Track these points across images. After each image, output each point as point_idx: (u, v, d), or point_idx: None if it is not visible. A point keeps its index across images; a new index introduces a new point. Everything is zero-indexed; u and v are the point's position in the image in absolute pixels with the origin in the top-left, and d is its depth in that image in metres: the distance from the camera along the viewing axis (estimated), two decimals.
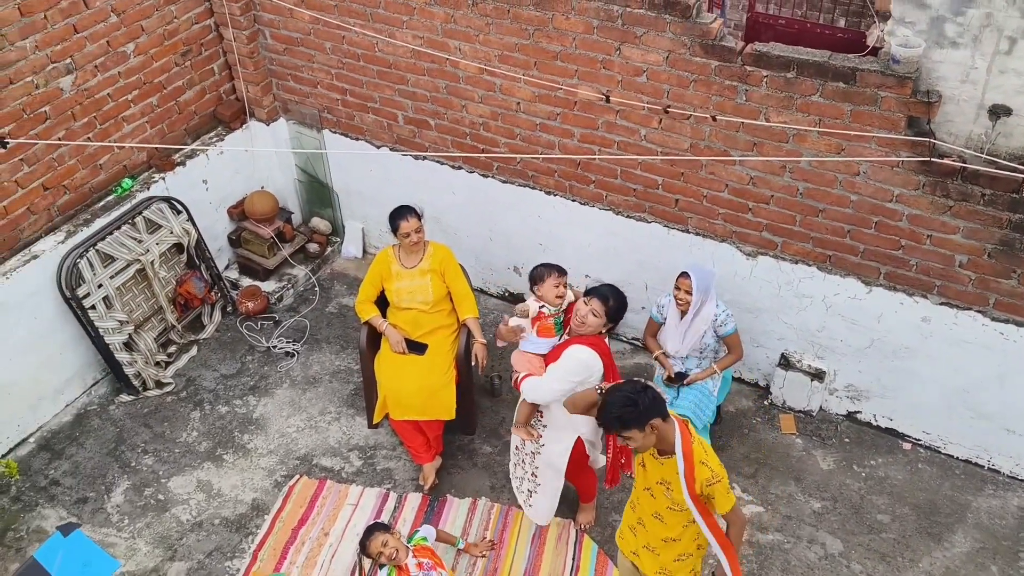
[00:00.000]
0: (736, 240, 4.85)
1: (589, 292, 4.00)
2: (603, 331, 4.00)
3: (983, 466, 4.85)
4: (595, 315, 3.91)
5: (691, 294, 4.47)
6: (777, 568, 4.44)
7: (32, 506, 4.85)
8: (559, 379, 3.87)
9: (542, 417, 4.15)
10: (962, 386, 4.63)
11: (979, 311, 4.35)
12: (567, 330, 4.15)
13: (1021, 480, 4.78)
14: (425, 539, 4.28)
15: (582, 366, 3.84)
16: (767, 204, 4.62)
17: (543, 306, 4.14)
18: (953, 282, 4.34)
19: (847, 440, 5.06)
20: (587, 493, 4.60)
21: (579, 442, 4.16)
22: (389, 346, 4.86)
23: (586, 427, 4.11)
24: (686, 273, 4.49)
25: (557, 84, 4.79)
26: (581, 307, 3.95)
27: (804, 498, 4.75)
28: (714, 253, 4.92)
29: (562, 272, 4.19)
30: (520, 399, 4.18)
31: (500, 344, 4.34)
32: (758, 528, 4.62)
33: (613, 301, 3.92)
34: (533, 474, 4.35)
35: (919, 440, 4.98)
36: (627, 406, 3.12)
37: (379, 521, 4.56)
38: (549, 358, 4.07)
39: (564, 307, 4.17)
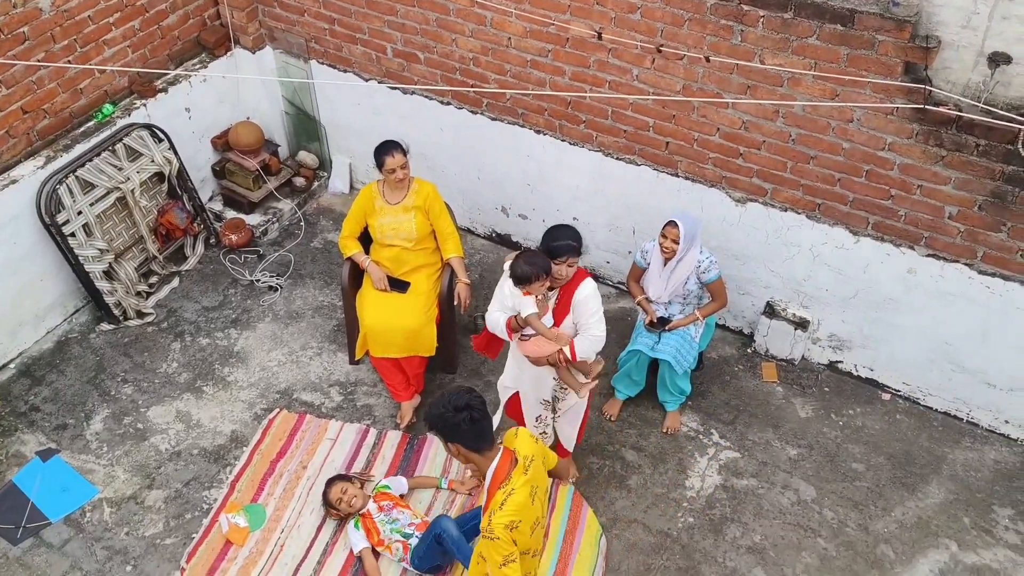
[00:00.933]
0: (726, 185, 4.78)
1: (555, 250, 3.74)
2: None
3: (961, 419, 4.87)
4: (571, 266, 3.79)
5: (677, 243, 4.40)
6: (750, 512, 4.48)
7: (11, 431, 4.85)
8: (598, 316, 3.84)
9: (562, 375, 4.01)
10: (945, 339, 4.61)
11: (966, 264, 4.31)
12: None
13: (999, 434, 4.81)
14: (388, 487, 4.35)
15: (595, 292, 3.86)
16: (758, 149, 4.54)
17: (536, 298, 3.80)
18: (941, 234, 4.29)
19: (827, 389, 5.06)
20: (569, 443, 4.47)
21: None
22: (371, 283, 4.82)
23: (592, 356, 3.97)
24: (674, 222, 4.40)
25: (549, 19, 4.65)
26: (560, 269, 3.76)
27: (780, 445, 4.78)
28: (703, 198, 4.85)
29: (545, 271, 3.74)
30: (550, 373, 4.04)
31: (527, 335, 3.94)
32: (733, 473, 4.65)
33: (577, 242, 3.79)
34: (555, 414, 4.32)
35: (898, 391, 4.99)
36: (434, 415, 3.11)
37: (340, 473, 4.56)
38: (557, 320, 3.88)
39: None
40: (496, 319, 3.93)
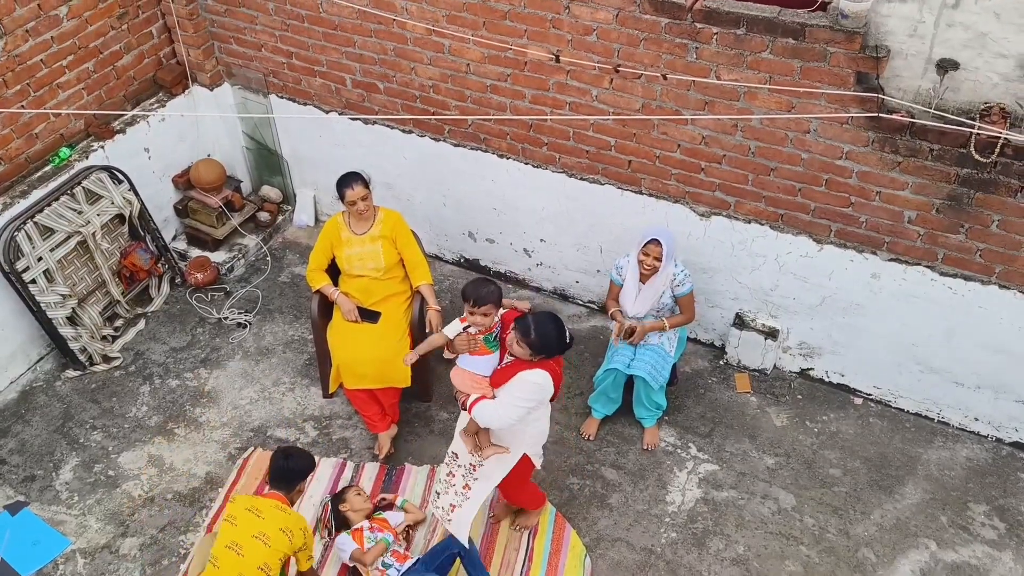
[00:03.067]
0: (689, 200, 4.83)
1: (518, 320, 3.61)
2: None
3: (932, 419, 4.94)
4: (518, 345, 3.57)
5: (660, 260, 4.45)
6: (731, 524, 4.49)
7: None
8: (514, 405, 3.61)
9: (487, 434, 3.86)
10: (911, 341, 4.69)
11: (928, 266, 4.40)
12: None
13: (970, 432, 4.88)
14: (386, 517, 4.36)
15: (536, 389, 3.61)
16: (719, 164, 4.60)
17: (467, 326, 3.77)
18: (902, 238, 4.38)
19: (800, 397, 5.11)
20: (534, 503, 4.39)
21: (524, 458, 3.92)
22: (341, 315, 4.79)
23: (534, 443, 3.90)
24: (656, 240, 4.44)
25: (507, 44, 4.69)
26: (511, 332, 3.62)
27: (758, 455, 4.81)
28: (667, 214, 4.90)
29: (486, 299, 3.67)
30: (460, 420, 3.98)
31: (448, 356, 3.90)
32: (713, 486, 4.67)
33: (534, 336, 3.51)
34: (466, 486, 3.97)
35: (870, 395, 5.06)
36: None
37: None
38: (498, 376, 3.73)
39: (495, 322, 3.76)
40: (448, 329, 3.90)
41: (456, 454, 4.03)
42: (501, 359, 3.79)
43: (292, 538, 3.54)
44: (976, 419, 4.82)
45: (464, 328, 3.80)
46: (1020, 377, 4.53)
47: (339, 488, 4.63)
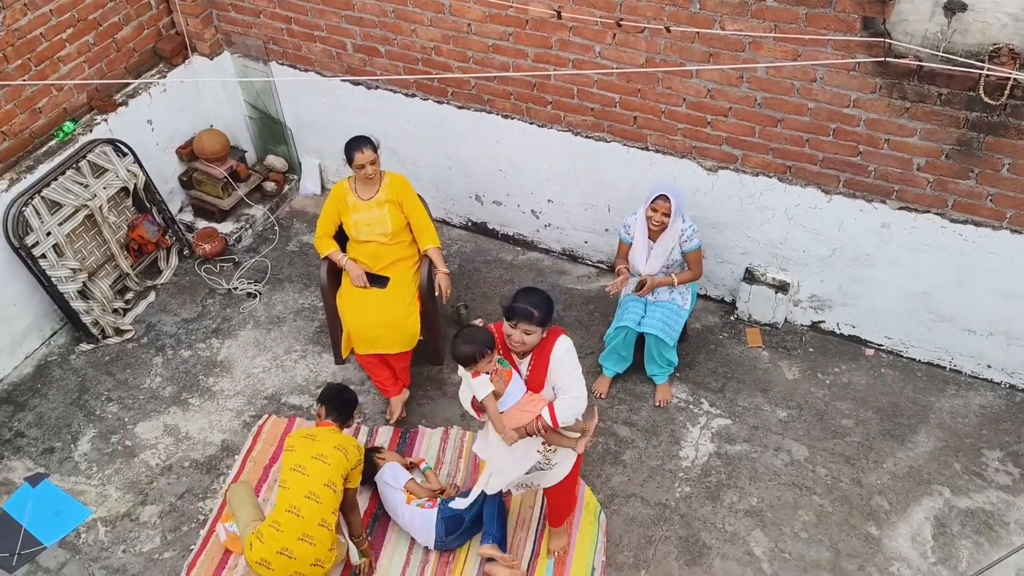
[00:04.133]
0: (696, 155, 4.80)
1: (509, 311, 3.43)
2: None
3: (944, 367, 4.93)
4: (528, 334, 3.41)
5: (669, 216, 4.43)
6: (745, 476, 4.51)
7: None
8: (575, 375, 3.44)
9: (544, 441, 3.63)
10: (922, 290, 4.67)
11: (938, 213, 4.36)
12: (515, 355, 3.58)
13: (983, 379, 4.87)
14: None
15: (573, 350, 3.50)
16: (725, 116, 4.56)
17: (487, 374, 3.45)
18: (911, 186, 4.33)
19: (811, 350, 5.11)
20: (563, 515, 4.18)
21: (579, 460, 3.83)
22: (350, 281, 4.79)
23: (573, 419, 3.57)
24: (665, 196, 4.41)
25: (507, 2, 4.63)
26: (512, 332, 3.42)
27: (770, 408, 4.82)
28: (674, 169, 4.87)
29: (485, 347, 3.40)
30: (547, 437, 3.58)
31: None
32: (726, 440, 4.68)
33: (538, 312, 3.37)
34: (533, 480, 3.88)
35: (881, 345, 5.04)
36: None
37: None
38: (532, 384, 3.55)
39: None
40: (464, 399, 3.62)
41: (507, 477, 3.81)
42: (516, 369, 3.55)
43: (347, 454, 3.88)
44: (989, 366, 4.81)
45: (487, 377, 3.45)
46: None
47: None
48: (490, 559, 4.14)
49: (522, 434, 3.49)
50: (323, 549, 3.77)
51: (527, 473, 3.78)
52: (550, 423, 3.44)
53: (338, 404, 4.10)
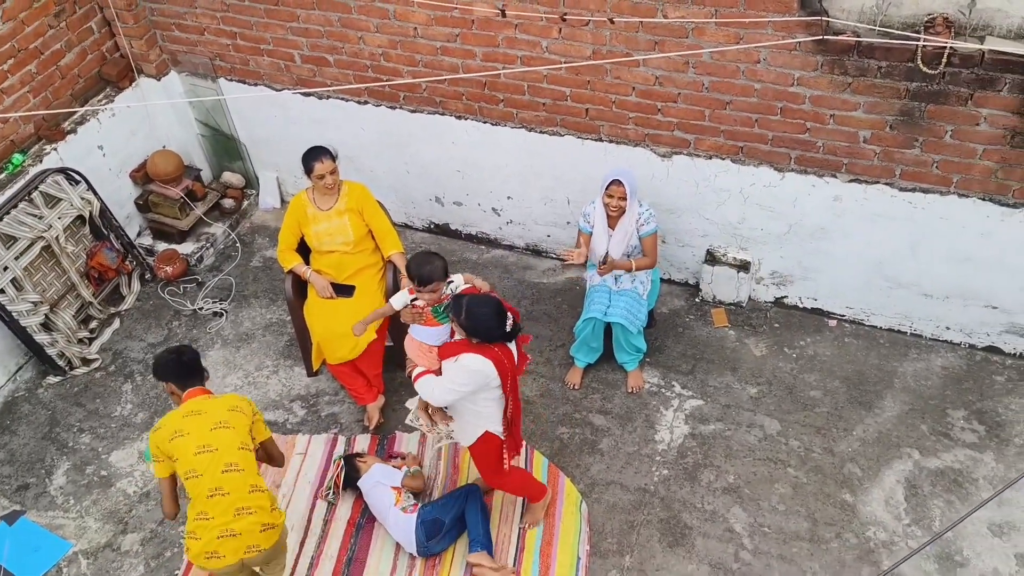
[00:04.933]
0: (649, 143, 4.85)
1: (455, 299, 3.69)
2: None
3: (905, 332, 5.05)
4: (452, 322, 3.68)
5: (625, 199, 4.51)
6: (720, 455, 4.59)
7: None
8: (448, 389, 3.64)
9: (447, 409, 3.96)
10: (878, 258, 4.77)
11: (887, 183, 4.46)
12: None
13: (943, 341, 4.99)
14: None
15: (474, 376, 3.58)
16: (675, 103, 4.62)
17: (415, 298, 3.84)
18: (859, 158, 4.43)
19: (777, 325, 5.20)
20: (530, 493, 4.28)
21: (494, 442, 3.87)
22: (316, 292, 4.79)
23: (495, 423, 3.82)
24: (618, 180, 4.49)
25: (451, 3, 4.65)
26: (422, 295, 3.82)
27: (741, 386, 4.90)
28: (629, 158, 4.92)
29: (429, 277, 3.75)
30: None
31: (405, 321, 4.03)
32: (699, 420, 4.76)
33: (464, 316, 3.54)
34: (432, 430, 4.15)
35: (843, 316, 5.15)
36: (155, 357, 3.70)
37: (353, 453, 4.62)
38: (444, 351, 3.75)
39: (445, 293, 3.83)
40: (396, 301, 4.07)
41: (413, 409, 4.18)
42: (452, 333, 3.79)
43: (242, 409, 3.62)
44: (948, 328, 4.93)
45: (412, 300, 3.87)
46: (986, 283, 4.63)
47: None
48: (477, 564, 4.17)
49: (407, 357, 4.05)
50: (265, 513, 3.52)
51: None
52: (414, 377, 3.80)
53: (186, 369, 3.66)
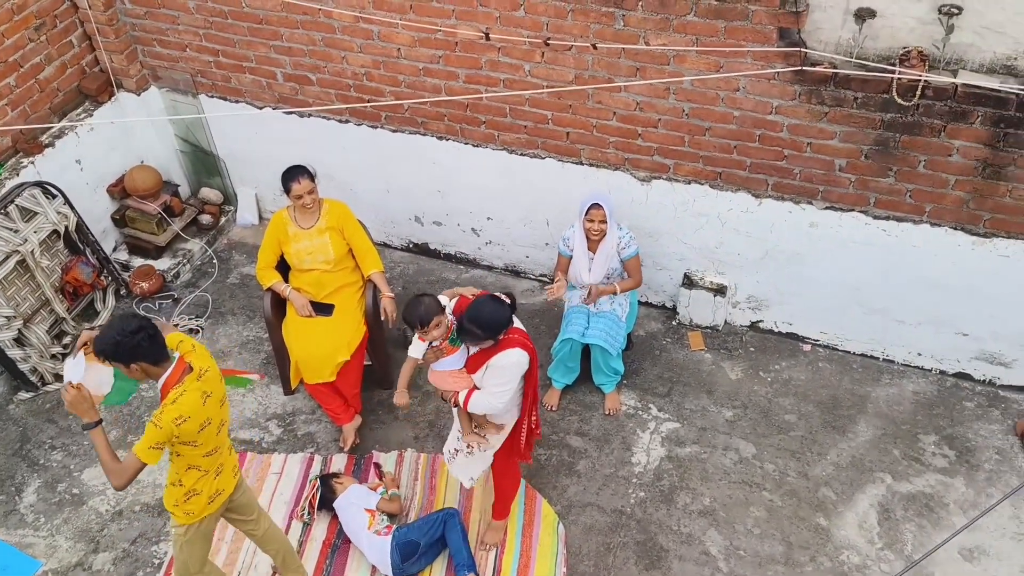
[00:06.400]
0: (629, 167, 4.91)
1: (458, 326, 3.76)
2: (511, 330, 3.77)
3: (878, 358, 5.13)
4: (472, 344, 3.75)
5: (605, 223, 4.55)
6: (696, 477, 4.62)
7: None
8: (499, 392, 3.75)
9: (474, 420, 4.03)
10: (852, 284, 4.85)
11: (861, 211, 4.54)
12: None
13: (915, 367, 5.07)
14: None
15: (513, 369, 3.72)
16: (655, 128, 4.68)
17: (431, 344, 3.87)
18: (835, 186, 4.51)
19: (752, 349, 5.26)
20: (503, 502, 4.36)
21: (516, 428, 4.04)
22: (295, 311, 4.77)
23: (516, 410, 3.98)
24: (596, 204, 4.53)
25: (435, 26, 4.69)
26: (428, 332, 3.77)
27: (716, 409, 4.94)
28: (609, 181, 4.97)
29: (427, 317, 3.71)
30: (456, 411, 4.05)
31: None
32: (676, 443, 4.79)
33: (478, 328, 3.63)
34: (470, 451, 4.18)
35: (817, 340, 5.22)
36: (109, 344, 3.21)
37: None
38: (472, 365, 3.84)
39: (450, 319, 3.83)
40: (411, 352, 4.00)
41: (457, 442, 4.19)
42: (469, 348, 3.86)
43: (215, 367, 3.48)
44: (919, 354, 5.01)
45: (429, 345, 3.87)
46: (957, 310, 4.72)
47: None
48: None
49: (438, 393, 4.07)
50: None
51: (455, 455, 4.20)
52: (461, 402, 3.83)
53: (159, 344, 3.29)
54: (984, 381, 4.95)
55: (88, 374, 3.36)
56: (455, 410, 4.10)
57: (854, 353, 5.16)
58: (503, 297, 3.75)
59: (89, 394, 3.31)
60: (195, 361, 3.37)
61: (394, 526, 4.32)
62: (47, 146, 5.35)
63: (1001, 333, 4.71)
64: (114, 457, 3.27)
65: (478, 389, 3.82)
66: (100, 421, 3.31)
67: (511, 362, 3.70)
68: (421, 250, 5.97)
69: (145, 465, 3.26)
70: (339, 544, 4.45)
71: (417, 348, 3.93)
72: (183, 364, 3.36)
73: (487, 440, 4.02)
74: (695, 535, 4.39)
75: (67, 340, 5.44)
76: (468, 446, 4.08)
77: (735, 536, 4.37)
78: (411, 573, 4.27)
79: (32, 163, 5.26)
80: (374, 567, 4.31)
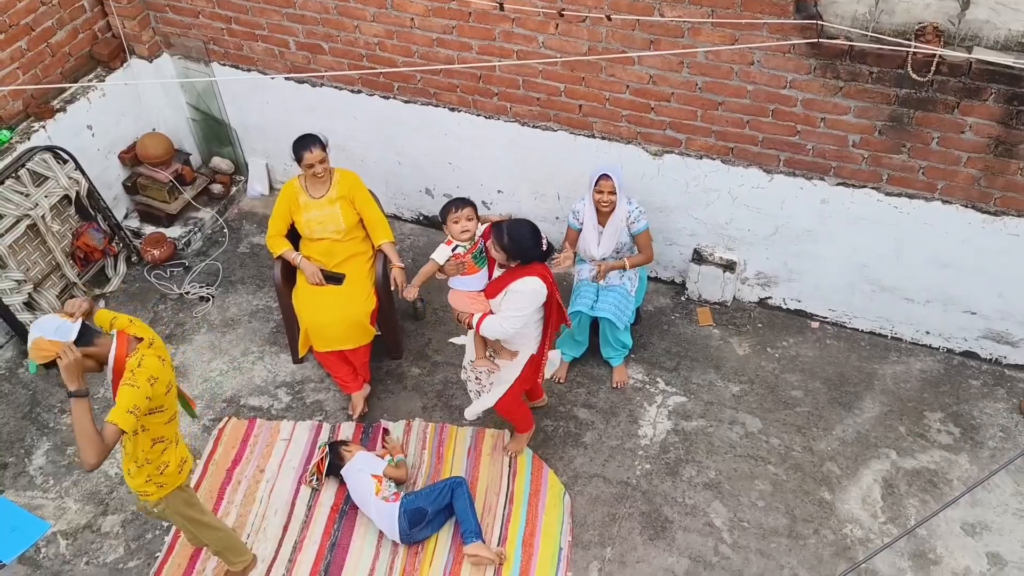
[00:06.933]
0: (641, 140, 4.90)
1: (493, 226, 3.93)
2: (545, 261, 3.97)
3: (886, 335, 5.14)
4: (495, 250, 3.89)
5: (615, 194, 4.55)
6: (702, 451, 4.65)
7: None
8: (515, 316, 3.89)
9: (489, 347, 4.20)
10: (862, 262, 4.85)
11: (873, 188, 4.54)
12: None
13: (922, 345, 5.09)
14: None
15: (529, 296, 3.87)
16: (668, 102, 4.67)
17: (455, 247, 4.08)
18: (848, 162, 4.51)
19: (760, 325, 5.27)
20: (523, 424, 4.60)
21: (532, 361, 4.17)
22: (305, 279, 4.79)
23: (534, 344, 4.13)
24: (605, 175, 4.54)
25: None
26: (456, 225, 4.05)
27: (723, 384, 4.96)
28: (620, 155, 4.97)
29: (460, 205, 4.08)
30: (471, 334, 4.21)
31: (440, 277, 4.24)
32: (682, 417, 4.81)
33: (507, 239, 3.80)
34: (479, 381, 4.38)
35: (826, 318, 5.23)
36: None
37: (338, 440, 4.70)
38: (491, 290, 4.02)
39: (477, 238, 4.10)
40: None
41: (465, 366, 4.42)
42: (490, 274, 4.07)
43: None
44: (927, 332, 5.02)
45: (452, 250, 4.07)
46: (966, 289, 4.73)
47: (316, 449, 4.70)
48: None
49: (454, 313, 4.17)
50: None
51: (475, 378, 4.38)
52: (475, 324, 3.99)
53: (91, 330, 3.30)
54: (990, 360, 4.97)
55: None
56: (469, 335, 4.29)
57: (862, 331, 5.18)
58: (546, 238, 3.91)
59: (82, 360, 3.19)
60: (138, 332, 3.38)
61: (402, 493, 4.35)
62: (58, 111, 5.35)
63: (1008, 312, 4.72)
64: (96, 429, 3.15)
65: (492, 314, 3.95)
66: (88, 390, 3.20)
67: (529, 289, 3.85)
68: (431, 223, 5.98)
69: (123, 435, 3.20)
70: (347, 510, 4.49)
71: (441, 253, 4.09)
72: (125, 337, 3.34)
73: (497, 368, 4.14)
74: (699, 507, 4.42)
75: None
76: (477, 378, 4.26)
77: (739, 508, 4.41)
78: (418, 539, 4.31)
79: (43, 127, 5.26)
80: (381, 533, 4.35)
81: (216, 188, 6.12)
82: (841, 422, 4.74)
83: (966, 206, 4.42)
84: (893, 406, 4.80)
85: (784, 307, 5.31)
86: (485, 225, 4.11)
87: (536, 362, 4.24)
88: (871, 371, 4.98)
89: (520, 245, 3.82)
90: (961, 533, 4.26)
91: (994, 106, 4.04)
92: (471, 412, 4.44)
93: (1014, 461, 3.80)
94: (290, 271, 4.89)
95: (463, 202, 4.11)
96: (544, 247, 3.89)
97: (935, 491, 4.43)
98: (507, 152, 5.28)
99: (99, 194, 5.52)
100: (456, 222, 4.07)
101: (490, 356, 4.21)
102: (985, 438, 4.64)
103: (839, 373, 4.98)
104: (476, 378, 4.38)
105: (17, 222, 5.02)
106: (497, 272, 4.04)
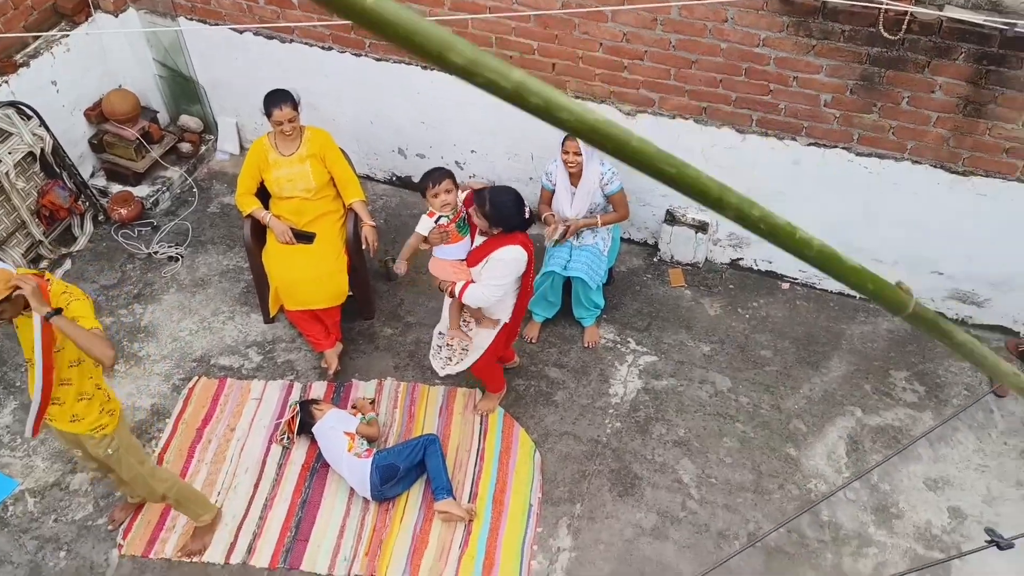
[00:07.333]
0: (615, 100, 4.88)
1: (476, 193, 3.96)
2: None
3: (854, 296, 5.19)
4: (477, 216, 3.90)
5: (580, 155, 4.52)
6: (672, 409, 4.69)
7: None
8: (494, 285, 3.93)
9: (466, 313, 4.25)
10: (832, 223, 4.87)
11: (844, 148, 4.56)
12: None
13: None
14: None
15: (511, 265, 3.91)
16: (642, 60, 4.64)
17: (439, 218, 4.05)
18: (819, 122, 4.51)
19: (731, 286, 5.30)
20: (495, 385, 4.66)
21: (506, 329, 4.21)
22: (275, 237, 4.74)
23: (508, 311, 4.16)
24: (572, 136, 4.50)
25: None
26: (436, 199, 4.00)
27: (694, 344, 5.00)
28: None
29: (439, 179, 4.00)
30: (448, 302, 4.23)
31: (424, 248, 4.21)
32: (653, 376, 4.85)
33: (488, 206, 3.82)
34: (451, 347, 4.38)
35: (796, 279, 5.27)
36: None
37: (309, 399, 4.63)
38: (472, 258, 4.04)
39: (460, 206, 4.09)
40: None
41: (442, 332, 4.40)
42: (472, 241, 4.09)
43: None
44: None
45: (435, 221, 4.04)
46: (934, 250, 4.77)
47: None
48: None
49: (436, 282, 4.18)
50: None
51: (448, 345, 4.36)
52: (457, 292, 4.01)
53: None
54: (957, 320, 5.03)
55: None
56: (446, 304, 4.30)
57: (831, 292, 5.23)
58: (527, 208, 3.92)
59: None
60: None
61: (374, 450, 4.36)
62: (21, 65, 5.23)
63: (975, 272, 4.78)
64: (91, 332, 3.30)
65: (474, 283, 3.97)
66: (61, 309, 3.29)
67: (511, 257, 3.89)
68: (404, 183, 5.93)
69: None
70: (317, 468, 4.50)
71: (424, 224, 4.07)
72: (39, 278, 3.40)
73: (470, 338, 4.17)
74: (668, 464, 4.47)
75: (44, 264, 5.39)
76: (448, 344, 4.27)
77: (707, 465, 4.46)
78: (389, 496, 4.33)
79: (6, 82, 5.14)
80: (352, 490, 4.37)
81: (185, 147, 6.03)
82: (809, 381, 4.80)
83: (935, 166, 4.45)
84: (860, 365, 4.87)
85: (755, 268, 5.34)
86: (466, 192, 4.08)
87: (509, 330, 4.27)
88: (839, 331, 5.04)
89: (502, 212, 3.83)
90: (923, 488, 4.34)
91: (964, 65, 4.06)
92: (443, 371, 4.44)
93: (966, 410, 3.86)
94: (260, 230, 4.84)
95: (441, 174, 4.02)
96: (527, 215, 3.89)
97: (898, 447, 4.50)
98: (481, 113, 5.23)
99: (64, 151, 5.41)
100: (436, 196, 4.00)
101: (466, 324, 4.22)
102: (949, 396, 4.72)
103: (808, 333, 5.03)
104: (448, 344, 4.38)
105: None
106: (478, 240, 4.05)
